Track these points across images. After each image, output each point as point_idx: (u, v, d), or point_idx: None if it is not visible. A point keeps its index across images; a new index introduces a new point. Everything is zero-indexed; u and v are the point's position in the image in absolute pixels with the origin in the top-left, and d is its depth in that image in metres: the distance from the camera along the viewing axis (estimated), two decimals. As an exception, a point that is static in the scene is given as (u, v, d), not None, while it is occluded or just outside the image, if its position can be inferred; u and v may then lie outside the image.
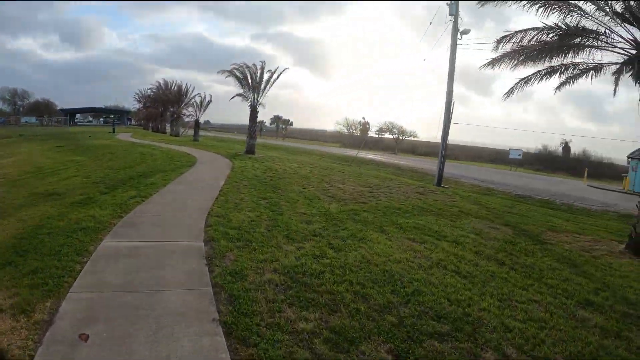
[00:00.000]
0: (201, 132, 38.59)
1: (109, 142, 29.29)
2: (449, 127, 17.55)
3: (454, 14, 16.78)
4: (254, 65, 21.17)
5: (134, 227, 6.67)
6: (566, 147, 57.83)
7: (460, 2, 17.04)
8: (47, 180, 13.14)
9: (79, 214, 7.34)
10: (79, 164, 17.38)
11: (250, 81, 21.17)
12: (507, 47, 9.81)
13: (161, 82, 47.76)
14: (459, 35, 17.09)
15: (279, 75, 21.10)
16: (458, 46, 17.33)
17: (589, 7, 9.74)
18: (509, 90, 11.41)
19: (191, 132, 38.91)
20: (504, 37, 9.80)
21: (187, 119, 43.16)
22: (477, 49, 24.72)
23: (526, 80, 11.33)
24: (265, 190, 10.65)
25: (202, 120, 38.79)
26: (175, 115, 43.06)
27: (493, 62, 10.41)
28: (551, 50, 9.69)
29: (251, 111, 22.13)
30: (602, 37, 9.67)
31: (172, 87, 43.38)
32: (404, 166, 29.20)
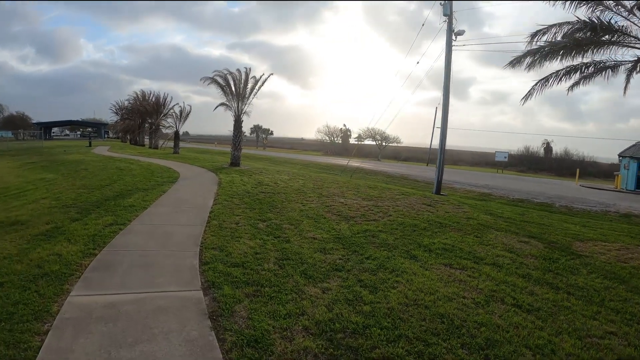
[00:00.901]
0: (181, 144, 36.83)
1: (84, 157, 27.29)
2: (446, 131, 16.52)
3: (449, 14, 15.79)
4: (238, 70, 19.77)
5: (111, 269, 5.15)
6: (548, 147, 58.10)
7: (446, 2, 16.11)
8: (12, 204, 11.43)
9: (42, 252, 5.82)
10: (49, 182, 15.60)
11: (234, 88, 19.73)
12: (543, 39, 8.86)
13: (139, 92, 45.68)
14: (453, 37, 16.13)
15: (264, 82, 19.72)
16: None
17: (610, 2, 8.98)
18: (527, 93, 10.56)
19: (171, 144, 37.08)
20: (538, 31, 8.87)
21: (166, 130, 41.16)
22: (460, 50, 23.92)
23: (545, 81, 10.49)
24: (261, 210, 9.27)
25: (181, 131, 37.03)
26: (153, 127, 41.06)
27: (518, 59, 9.46)
28: (579, 47, 8.79)
29: (235, 121, 20.69)
30: (619, 33, 8.88)
31: (150, 98, 41.38)
32: (393, 173, 28.14)
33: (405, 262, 6.10)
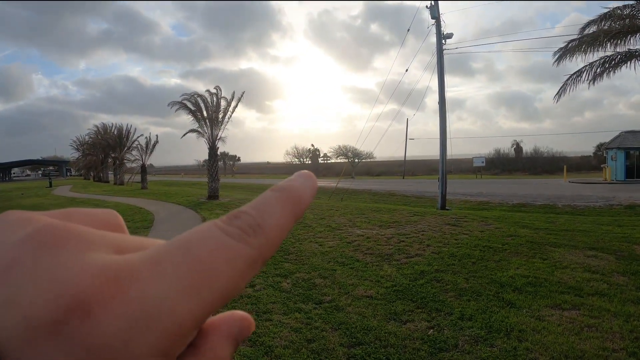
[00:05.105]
0: (148, 177, 33.77)
1: (43, 200, 23.92)
2: (445, 141, 14.93)
3: (437, 16, 14.38)
4: (208, 92, 17.56)
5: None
6: (518, 148, 58.38)
7: (433, 5, 14.70)
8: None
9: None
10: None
11: (206, 112, 17.50)
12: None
13: (99, 126, 42.11)
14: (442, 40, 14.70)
15: (238, 101, 17.60)
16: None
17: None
18: (560, 89, 9.13)
19: (138, 178, 33.94)
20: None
21: (131, 164, 37.82)
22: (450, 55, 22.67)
23: (577, 75, 9.12)
24: (273, 258, 7.08)
25: (147, 164, 33.96)
26: (118, 162, 37.71)
27: (573, 49, 8.05)
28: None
29: (210, 148, 18.38)
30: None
31: (112, 131, 38.10)
32: (378, 191, 26.43)
33: (509, 314, 4.19)
